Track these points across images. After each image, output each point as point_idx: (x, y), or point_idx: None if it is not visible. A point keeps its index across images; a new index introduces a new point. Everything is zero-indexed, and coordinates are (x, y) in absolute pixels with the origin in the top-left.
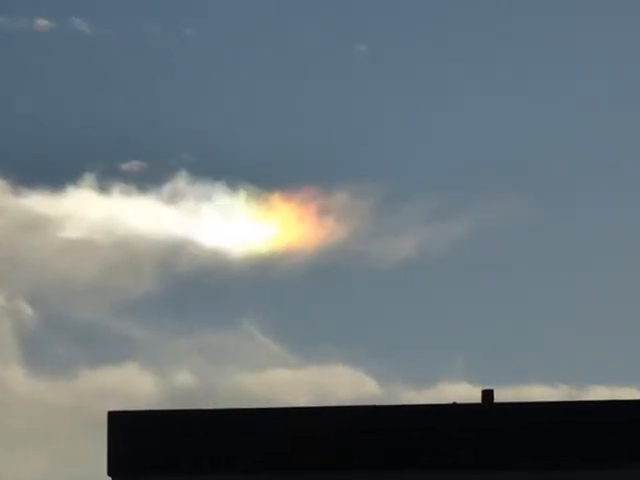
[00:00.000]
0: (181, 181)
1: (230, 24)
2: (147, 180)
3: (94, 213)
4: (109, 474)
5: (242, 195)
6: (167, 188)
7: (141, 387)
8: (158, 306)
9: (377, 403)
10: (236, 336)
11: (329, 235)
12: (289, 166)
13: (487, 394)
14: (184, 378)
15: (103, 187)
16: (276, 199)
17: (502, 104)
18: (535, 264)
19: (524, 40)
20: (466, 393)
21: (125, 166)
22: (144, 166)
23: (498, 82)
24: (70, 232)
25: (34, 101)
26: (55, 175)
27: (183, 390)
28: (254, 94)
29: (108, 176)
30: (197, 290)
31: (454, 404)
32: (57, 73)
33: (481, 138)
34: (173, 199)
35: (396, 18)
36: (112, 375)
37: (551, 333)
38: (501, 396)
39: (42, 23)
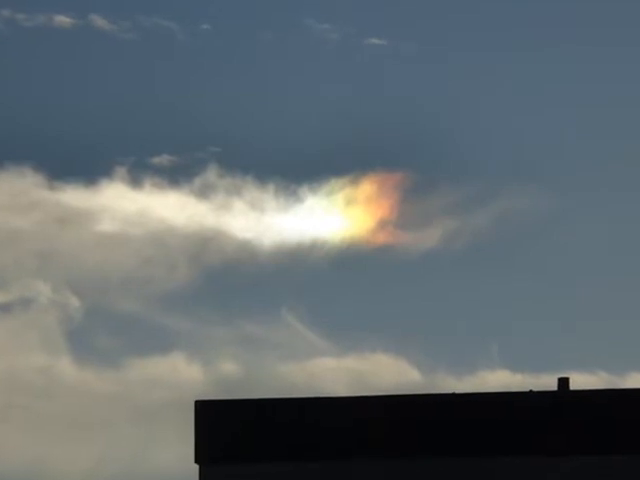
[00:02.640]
0: (211, 174)
1: (251, 18)
2: (178, 174)
3: (127, 206)
4: (196, 462)
5: (271, 188)
6: (197, 181)
7: (188, 376)
8: (194, 297)
9: (420, 392)
10: (276, 326)
11: (356, 225)
12: (316, 159)
13: (563, 381)
14: (229, 368)
15: (135, 181)
16: (304, 191)
17: (526, 98)
18: (558, 254)
19: (540, 36)
20: (506, 380)
21: (156, 160)
22: (174, 160)
23: (521, 77)
24: (105, 225)
25: (65, 97)
26: (88, 169)
27: (229, 380)
28: (280, 88)
29: (139, 170)
30: (230, 281)
31: (530, 392)
32: (85, 69)
33: (504, 131)
34: (204, 192)
35: (412, 12)
36: (158, 365)
37: (576, 320)
38: (540, 382)
39: (62, 19)
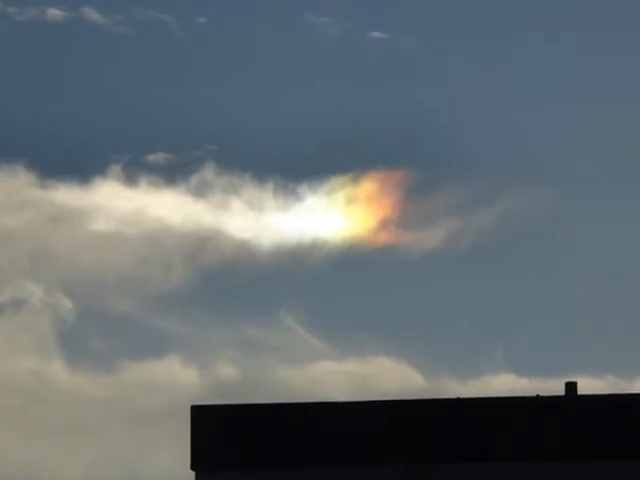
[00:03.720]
0: (208, 172)
1: (250, 11)
2: (174, 172)
3: (122, 206)
4: (192, 468)
5: (269, 186)
6: (194, 180)
7: (184, 380)
8: (191, 298)
9: (424, 396)
10: (274, 329)
11: (357, 225)
12: (316, 156)
13: (570, 386)
14: (226, 371)
15: (130, 179)
16: (304, 190)
17: (529, 94)
18: (564, 254)
19: (541, 31)
20: (512, 384)
21: (151, 158)
22: (170, 158)
23: (524, 73)
24: (99, 225)
25: (58, 93)
26: (81, 167)
27: (226, 384)
28: (279, 84)
29: (134, 168)
30: (228, 282)
31: (537, 396)
32: (79, 65)
33: (507, 128)
34: (201, 191)
35: (413, 7)
36: (154, 368)
37: (583, 322)
38: (546, 387)
39: (54, 13)
